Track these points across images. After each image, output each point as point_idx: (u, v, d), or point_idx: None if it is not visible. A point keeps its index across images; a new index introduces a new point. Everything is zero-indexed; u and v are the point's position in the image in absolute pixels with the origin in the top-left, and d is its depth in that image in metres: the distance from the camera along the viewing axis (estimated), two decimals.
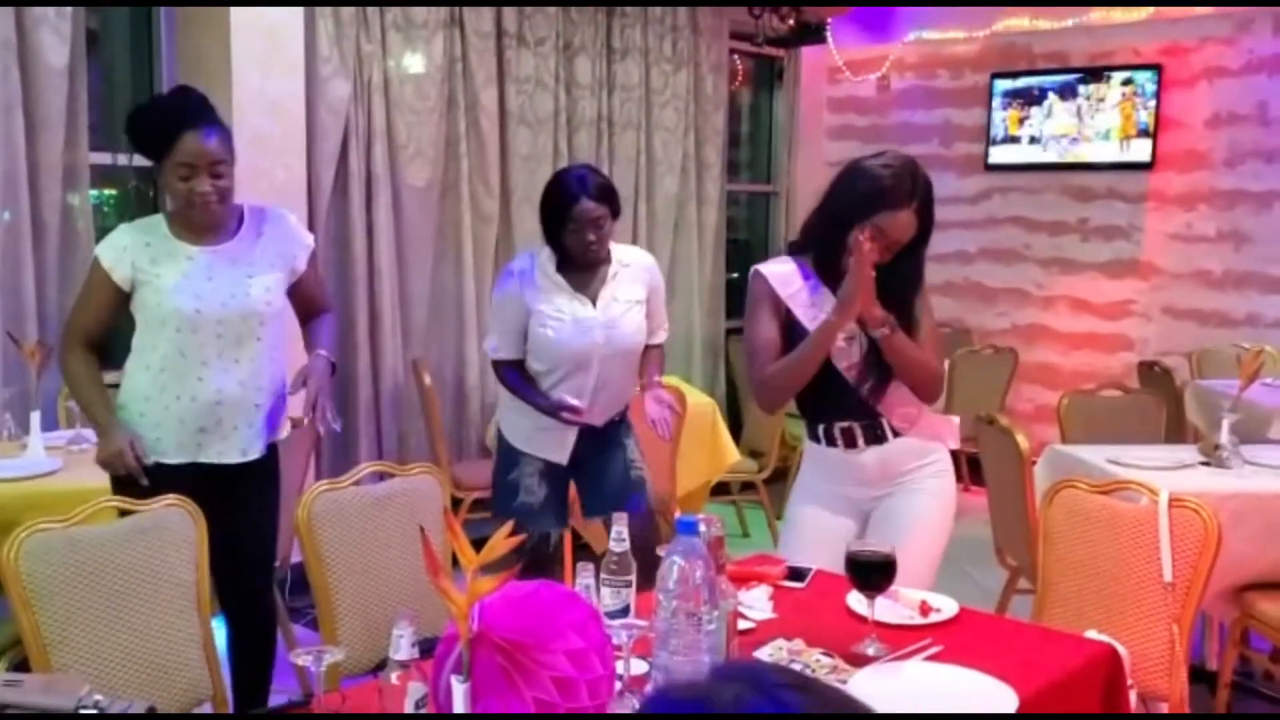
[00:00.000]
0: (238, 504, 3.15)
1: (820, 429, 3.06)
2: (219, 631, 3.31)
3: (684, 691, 0.82)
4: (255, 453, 3.18)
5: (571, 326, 3.53)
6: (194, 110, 3.04)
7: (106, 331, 3.15)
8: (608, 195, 3.52)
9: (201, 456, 3.12)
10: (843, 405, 3.01)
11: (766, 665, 0.84)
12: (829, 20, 7.30)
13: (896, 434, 3.01)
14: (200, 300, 3.05)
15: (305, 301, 3.35)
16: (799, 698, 0.78)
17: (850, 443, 3.02)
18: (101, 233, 4.84)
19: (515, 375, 3.65)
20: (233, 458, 3.15)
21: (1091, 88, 6.83)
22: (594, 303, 3.56)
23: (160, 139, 2.98)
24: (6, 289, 4.43)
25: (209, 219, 3.08)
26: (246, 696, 3.21)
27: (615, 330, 3.57)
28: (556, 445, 3.66)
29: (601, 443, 3.70)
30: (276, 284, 3.18)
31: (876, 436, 3.01)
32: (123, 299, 3.08)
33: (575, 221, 3.45)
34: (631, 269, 3.63)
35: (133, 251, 3.06)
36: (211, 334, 3.07)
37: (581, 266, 3.55)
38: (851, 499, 3.06)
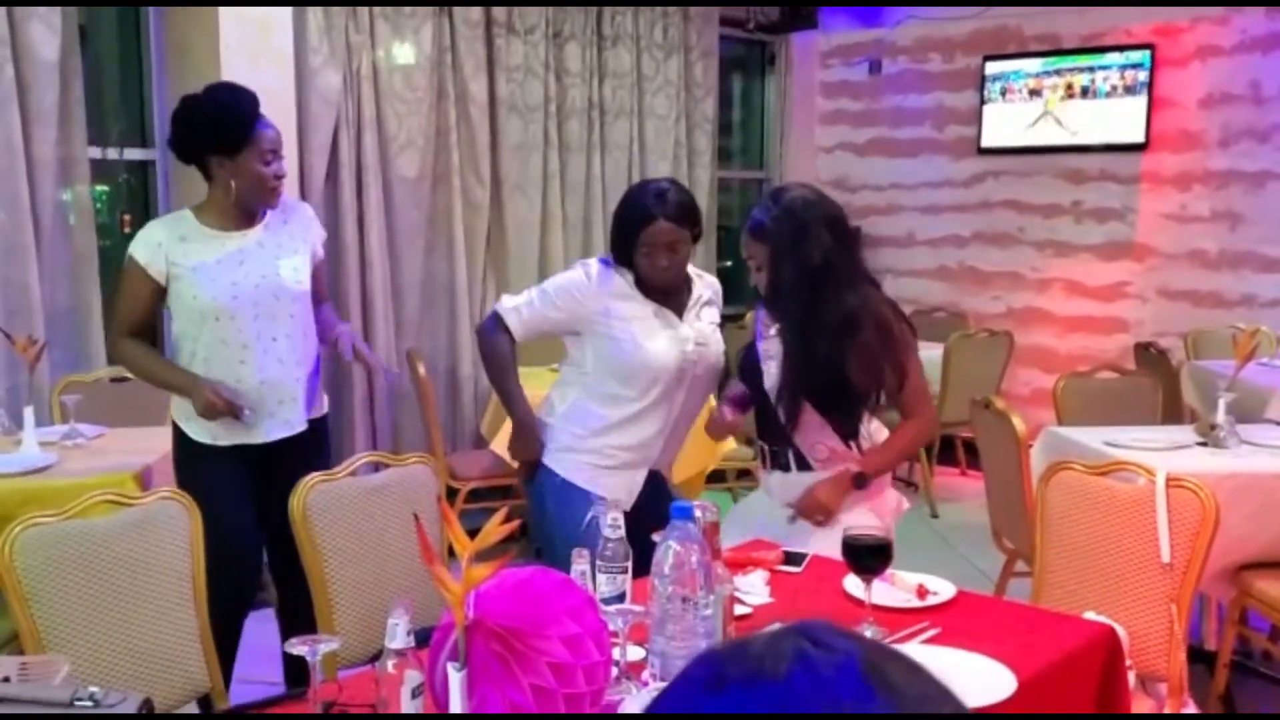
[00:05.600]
0: (287, 479, 3.14)
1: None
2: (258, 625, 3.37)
3: (730, 640, 0.81)
4: (300, 425, 3.35)
5: (665, 339, 3.11)
6: (257, 103, 3.25)
7: (150, 324, 3.36)
8: (689, 216, 3.07)
9: (250, 438, 3.28)
10: (764, 424, 3.07)
11: (819, 621, 0.80)
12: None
13: (808, 467, 2.98)
14: (236, 287, 3.22)
15: (314, 289, 3.48)
16: (845, 640, 0.75)
17: (763, 461, 3.08)
18: (98, 228, 4.87)
19: (509, 349, 3.19)
20: (279, 434, 3.32)
21: (1083, 68, 6.81)
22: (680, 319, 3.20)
23: (244, 129, 3.18)
24: (8, 284, 4.42)
25: (275, 198, 3.29)
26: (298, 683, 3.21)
27: (705, 347, 3.19)
28: (623, 485, 3.13)
29: (654, 493, 3.20)
30: (303, 264, 3.37)
31: (779, 463, 3.02)
32: (161, 293, 3.25)
33: (647, 244, 3.03)
34: (710, 294, 3.28)
35: (167, 246, 3.21)
36: (249, 317, 3.23)
37: (653, 291, 3.13)
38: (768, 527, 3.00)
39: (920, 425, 3.04)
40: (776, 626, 0.82)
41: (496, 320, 3.19)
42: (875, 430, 3.05)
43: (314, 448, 3.40)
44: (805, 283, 2.85)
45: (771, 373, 3.00)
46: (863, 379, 2.91)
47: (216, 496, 2.93)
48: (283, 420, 3.32)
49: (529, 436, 3.21)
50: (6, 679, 1.85)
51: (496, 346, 3.21)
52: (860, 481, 2.92)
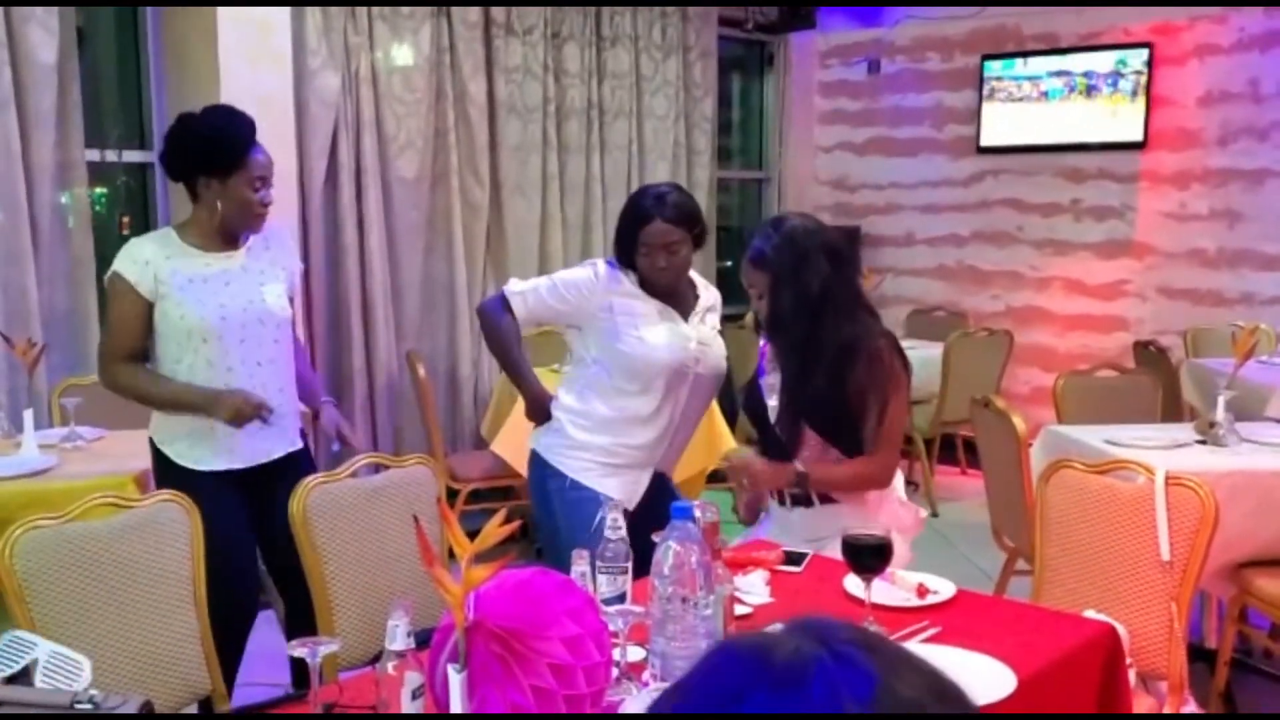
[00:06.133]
0: (280, 500, 3.15)
1: None
2: (260, 627, 3.38)
3: (750, 639, 0.82)
4: (285, 448, 3.33)
5: (667, 334, 3.17)
6: (253, 128, 3.23)
7: (143, 346, 3.24)
8: (686, 218, 3.14)
9: (237, 462, 3.25)
10: (776, 460, 3.03)
11: (838, 622, 0.82)
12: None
13: (830, 500, 2.95)
14: (224, 308, 3.17)
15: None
16: (864, 655, 0.77)
17: (781, 499, 3.04)
18: (97, 231, 4.86)
19: (514, 325, 3.25)
20: (263, 458, 3.28)
21: (1082, 67, 6.82)
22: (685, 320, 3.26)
23: (236, 154, 3.16)
24: (7, 287, 4.42)
25: (259, 224, 3.27)
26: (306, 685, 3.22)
27: (708, 349, 3.25)
28: (629, 486, 3.19)
29: (658, 493, 3.24)
30: (283, 292, 3.34)
31: (801, 500, 2.99)
32: (150, 310, 3.18)
33: (646, 244, 3.11)
34: (713, 302, 3.36)
35: (155, 265, 3.16)
36: (235, 340, 3.19)
37: (658, 293, 3.20)
38: None
39: (874, 466, 2.92)
40: (792, 623, 0.82)
41: (503, 301, 3.25)
42: None
43: (305, 468, 3.31)
44: (805, 310, 2.86)
45: (775, 407, 3.00)
46: (857, 409, 2.91)
47: (208, 509, 2.90)
48: (266, 446, 3.28)
49: (540, 405, 3.30)
50: (34, 662, 1.86)
51: (503, 321, 3.26)
52: (800, 480, 2.88)
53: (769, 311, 2.93)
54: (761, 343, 3.16)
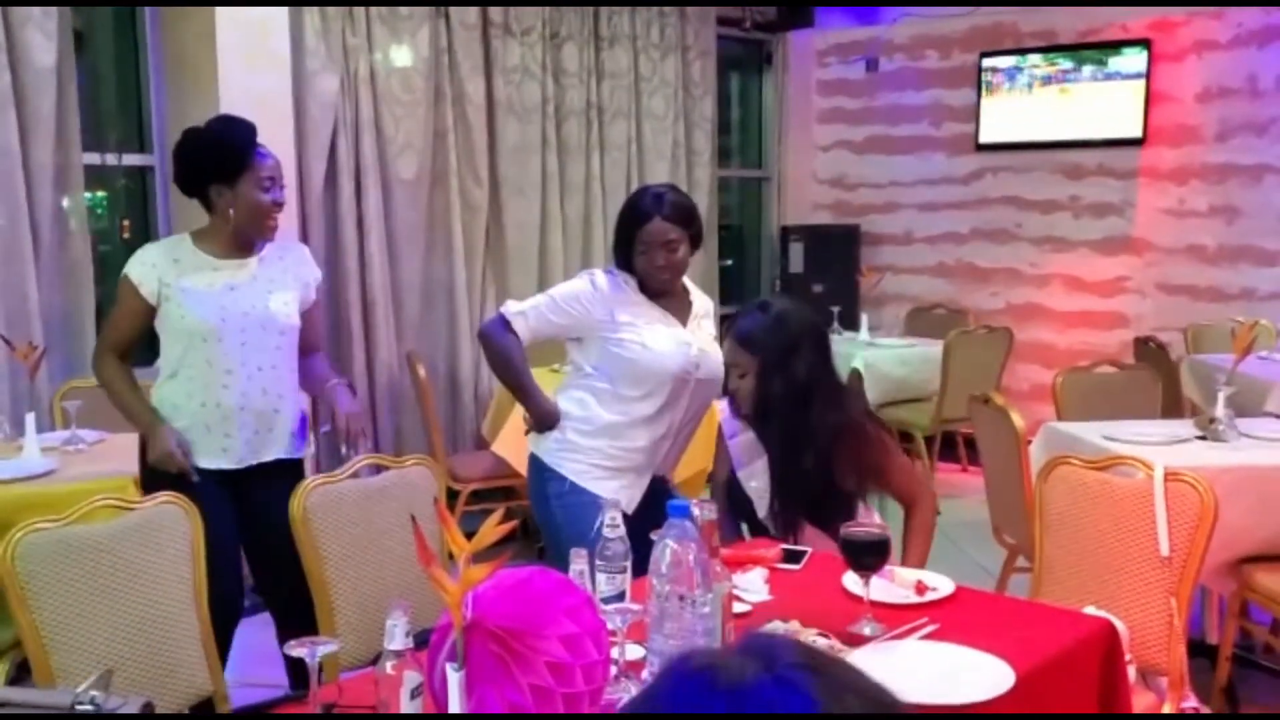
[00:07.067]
0: (270, 505, 3.16)
1: None
2: (260, 628, 3.38)
3: (701, 659, 0.83)
4: (278, 453, 3.33)
5: (670, 341, 3.19)
6: (253, 131, 3.28)
7: (136, 343, 3.36)
8: (684, 216, 3.17)
9: (227, 462, 3.28)
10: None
11: (787, 643, 0.83)
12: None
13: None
14: (224, 311, 3.23)
15: (306, 331, 3.44)
16: (807, 678, 0.78)
17: None
18: (98, 234, 4.87)
19: (520, 347, 3.22)
20: (255, 459, 3.30)
21: (1080, 64, 6.82)
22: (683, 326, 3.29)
23: (240, 156, 3.22)
24: (7, 290, 4.43)
25: (272, 228, 3.30)
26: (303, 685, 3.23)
27: (707, 355, 3.25)
28: (629, 489, 3.21)
29: (657, 494, 3.24)
30: (293, 300, 3.37)
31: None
32: (150, 312, 3.26)
33: (644, 243, 3.14)
34: (707, 310, 3.38)
35: (161, 268, 3.24)
36: (235, 343, 3.24)
37: (657, 294, 3.23)
38: None
39: (923, 511, 3.07)
40: (744, 642, 0.83)
41: (504, 323, 3.23)
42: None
43: (294, 481, 3.22)
44: (797, 399, 2.90)
45: (756, 488, 3.03)
46: (850, 482, 2.97)
47: (197, 506, 2.92)
48: (259, 449, 3.30)
49: (548, 423, 3.28)
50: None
51: (508, 344, 3.24)
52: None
53: (757, 398, 2.96)
54: (724, 412, 3.17)
